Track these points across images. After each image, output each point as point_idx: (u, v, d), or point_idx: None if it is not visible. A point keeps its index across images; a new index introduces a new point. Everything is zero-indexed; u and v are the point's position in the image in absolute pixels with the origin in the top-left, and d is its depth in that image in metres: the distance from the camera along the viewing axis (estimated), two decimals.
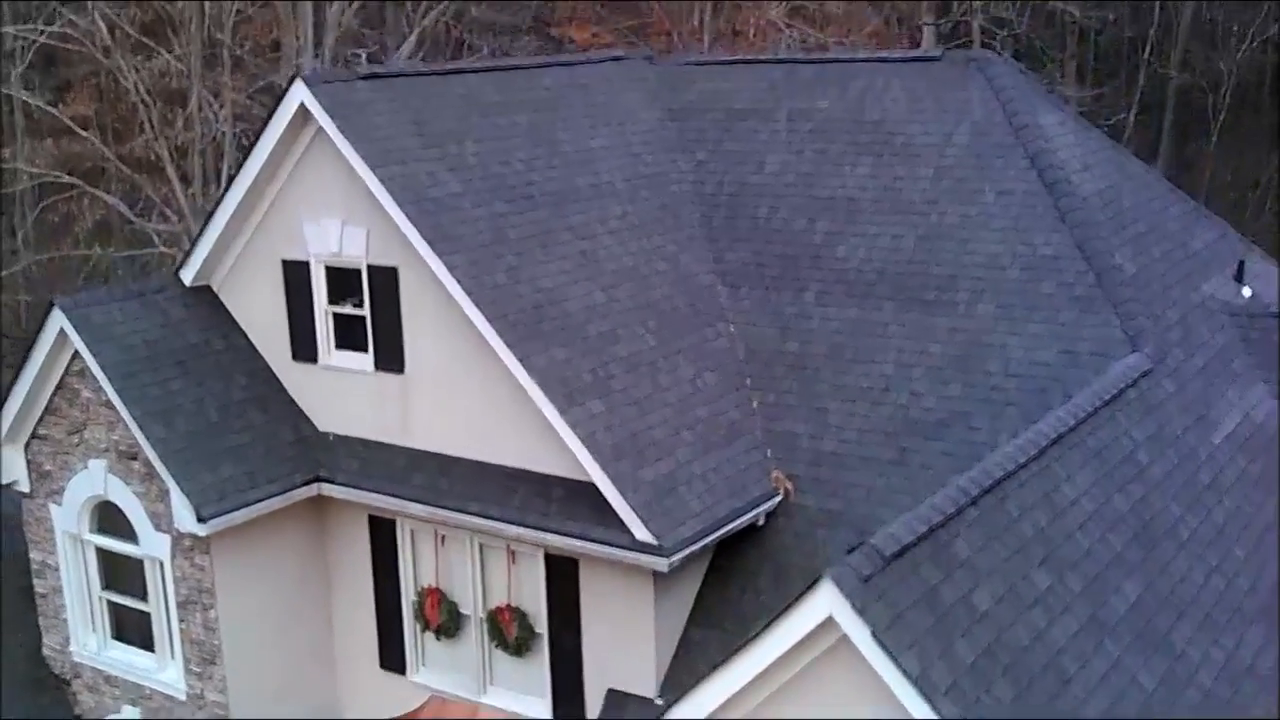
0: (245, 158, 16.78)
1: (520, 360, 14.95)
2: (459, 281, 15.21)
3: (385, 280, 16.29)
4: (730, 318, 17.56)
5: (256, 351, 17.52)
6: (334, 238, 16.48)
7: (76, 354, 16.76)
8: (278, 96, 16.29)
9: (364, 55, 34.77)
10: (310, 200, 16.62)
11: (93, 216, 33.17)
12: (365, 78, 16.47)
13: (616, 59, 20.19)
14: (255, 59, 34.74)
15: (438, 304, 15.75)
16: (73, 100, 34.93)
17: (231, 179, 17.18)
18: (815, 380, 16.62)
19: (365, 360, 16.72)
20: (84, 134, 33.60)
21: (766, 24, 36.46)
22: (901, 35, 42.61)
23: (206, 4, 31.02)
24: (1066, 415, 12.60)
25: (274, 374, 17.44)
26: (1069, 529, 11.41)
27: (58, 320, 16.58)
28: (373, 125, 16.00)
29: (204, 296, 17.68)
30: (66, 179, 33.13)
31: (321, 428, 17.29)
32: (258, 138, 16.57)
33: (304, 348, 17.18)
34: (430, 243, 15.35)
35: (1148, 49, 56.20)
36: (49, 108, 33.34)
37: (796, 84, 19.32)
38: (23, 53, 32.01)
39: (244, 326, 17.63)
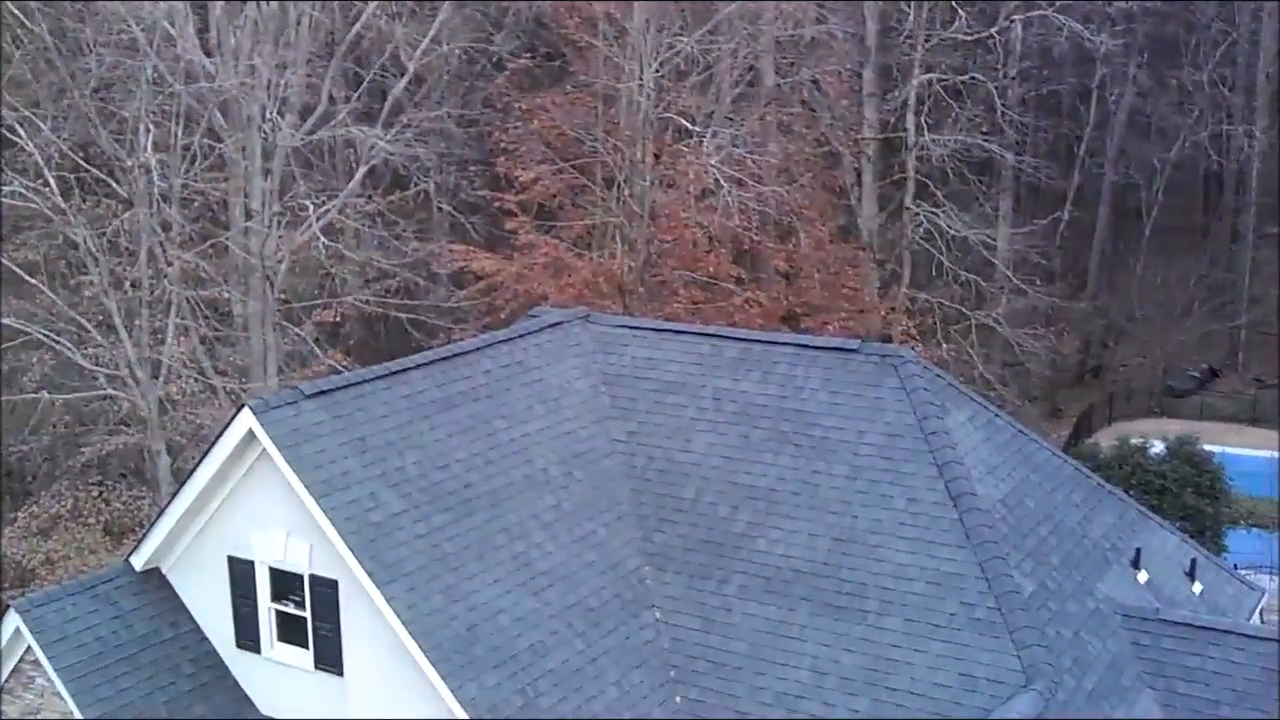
0: (197, 464, 17.64)
1: (453, 691, 15.90)
2: (396, 612, 16.14)
3: (326, 590, 17.20)
4: (657, 603, 18.57)
5: (204, 635, 18.37)
6: (278, 546, 17.37)
7: (30, 647, 17.56)
8: (228, 419, 17.14)
9: (310, 205, 35.59)
10: (257, 509, 17.50)
11: (42, 369, 33.78)
12: (311, 395, 17.34)
13: (555, 324, 21.11)
14: (203, 217, 35.53)
15: (375, 620, 16.65)
16: (20, 245, 35.50)
17: (188, 476, 17.98)
18: (735, 680, 17.65)
19: (306, 657, 17.61)
20: (32, 280, 34.22)
21: (704, 172, 37.47)
22: (839, 174, 43.89)
23: (153, 168, 31.66)
24: None
25: (220, 658, 18.28)
26: None
27: (13, 621, 17.38)
28: (317, 450, 16.90)
29: (153, 580, 18.51)
30: (17, 325, 33.70)
31: (264, 711, 18.16)
32: (207, 451, 17.44)
33: (247, 638, 18.05)
34: (370, 573, 16.27)
35: (1083, 146, 57.84)
36: None
37: (722, 362, 20.35)
38: None
39: (191, 610, 18.46)
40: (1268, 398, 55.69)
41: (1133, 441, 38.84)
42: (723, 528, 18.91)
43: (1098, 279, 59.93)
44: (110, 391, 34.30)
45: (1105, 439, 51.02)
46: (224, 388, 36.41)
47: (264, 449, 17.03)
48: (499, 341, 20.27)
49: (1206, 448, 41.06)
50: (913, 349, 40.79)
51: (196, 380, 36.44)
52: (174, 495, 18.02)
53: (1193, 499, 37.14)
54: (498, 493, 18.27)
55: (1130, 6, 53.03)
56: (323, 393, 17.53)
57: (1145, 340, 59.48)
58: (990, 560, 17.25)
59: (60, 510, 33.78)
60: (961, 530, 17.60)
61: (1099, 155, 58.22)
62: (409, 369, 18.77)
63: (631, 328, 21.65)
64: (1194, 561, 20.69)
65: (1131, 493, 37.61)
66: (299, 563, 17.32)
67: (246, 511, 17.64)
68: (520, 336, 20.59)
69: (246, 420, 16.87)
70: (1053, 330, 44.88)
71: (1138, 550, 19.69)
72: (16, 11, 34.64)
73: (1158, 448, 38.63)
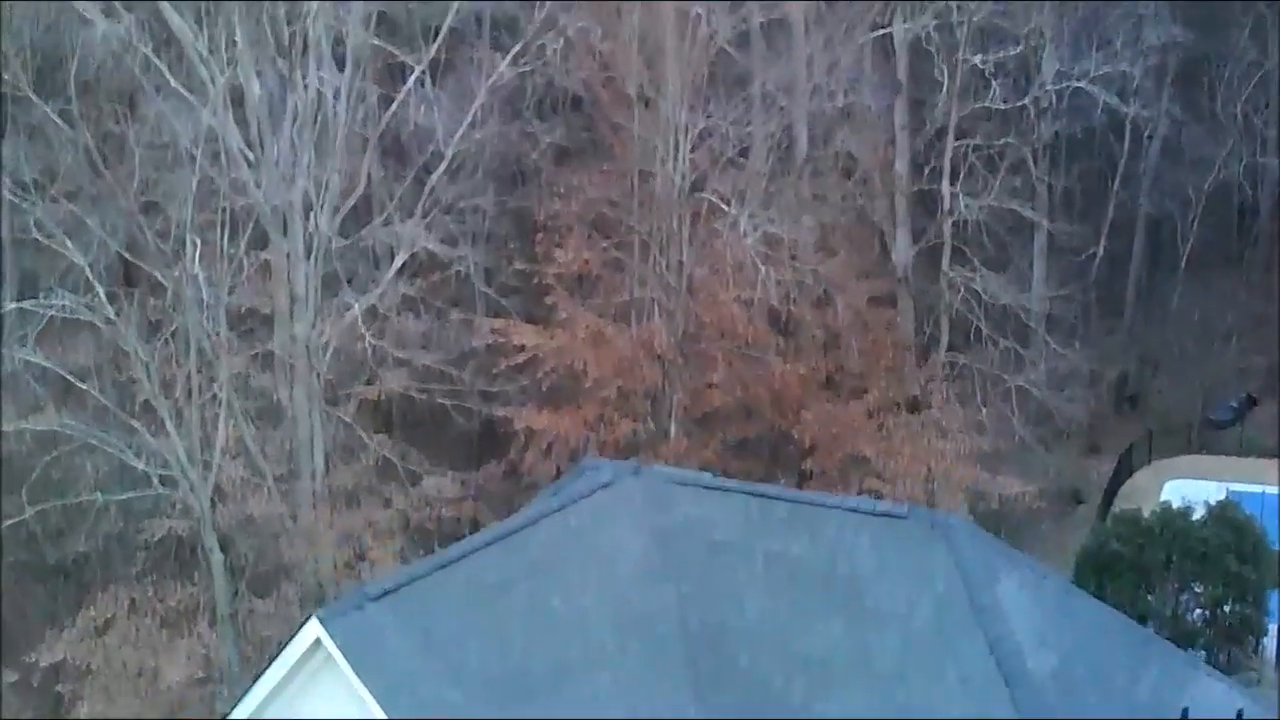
0: (264, 669, 18.10)
1: None
2: None
3: None
4: None
5: None
6: None
7: None
8: (292, 632, 17.59)
9: (354, 302, 36.08)
10: (323, 709, 17.93)
11: (95, 473, 34.45)
12: (376, 598, 17.78)
13: (606, 484, 21.45)
14: (249, 319, 36.16)
15: None
16: (71, 350, 36.12)
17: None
18: None
19: None
20: (82, 385, 34.90)
21: (739, 252, 37.82)
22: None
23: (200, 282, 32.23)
24: None
25: None
26: None
27: None
28: (383, 654, 17.35)
29: None
30: (68, 430, 34.35)
31: None
32: (275, 656, 17.90)
33: None
34: None
35: (1116, 180, 57.71)
36: (46, 363, 34.55)
37: (771, 522, 20.67)
38: (32, 321, 33.33)
39: None
40: None
41: (1175, 506, 39.01)
42: (779, 699, 19.21)
43: (1134, 309, 59.85)
44: (163, 491, 34.94)
45: (1145, 479, 51.28)
46: (273, 475, 37.01)
47: (328, 655, 17.47)
48: (553, 511, 20.64)
49: (1247, 489, 41.18)
50: (950, 411, 41.19)
51: (245, 470, 37.04)
52: (240, 697, 18.47)
53: (1235, 564, 37.30)
54: (557, 674, 18.65)
55: (1161, 40, 52.91)
56: (387, 593, 17.95)
57: (1183, 371, 59.39)
58: None
59: (118, 612, 34.47)
60: (1013, 709, 17.90)
61: (1132, 186, 58.07)
62: (467, 554, 19.18)
63: (680, 483, 21.98)
64: (1240, 712, 20.91)
65: (1174, 559, 38.02)
66: None
67: (313, 712, 18.07)
68: (573, 502, 20.95)
69: (314, 629, 17.31)
70: (1092, 393, 44.96)
71: (1185, 710, 19.93)
72: (57, 120, 35.21)
73: (1199, 512, 38.78)
